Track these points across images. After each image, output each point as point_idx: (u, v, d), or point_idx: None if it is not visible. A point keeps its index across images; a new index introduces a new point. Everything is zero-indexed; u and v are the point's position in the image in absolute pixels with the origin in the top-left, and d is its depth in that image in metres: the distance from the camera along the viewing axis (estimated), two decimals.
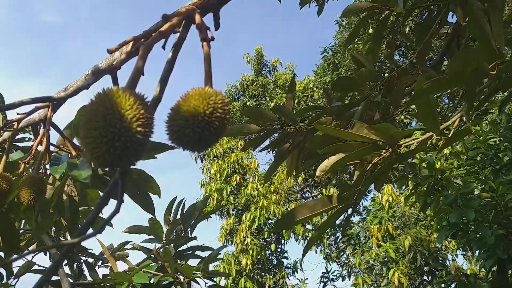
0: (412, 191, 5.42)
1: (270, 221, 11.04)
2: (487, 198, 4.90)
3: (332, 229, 10.73)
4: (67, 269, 2.31)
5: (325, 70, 12.46)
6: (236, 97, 14.39)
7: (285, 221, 1.18)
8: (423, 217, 7.80)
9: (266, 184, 11.08)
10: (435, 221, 5.67)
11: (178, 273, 2.05)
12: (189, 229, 2.49)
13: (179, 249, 2.38)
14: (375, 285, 8.26)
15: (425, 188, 5.24)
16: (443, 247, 7.43)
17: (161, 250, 2.25)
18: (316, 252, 11.46)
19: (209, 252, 2.25)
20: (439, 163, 6.13)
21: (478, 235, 4.65)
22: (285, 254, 11.75)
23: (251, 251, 10.45)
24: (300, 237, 10.66)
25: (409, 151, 1.29)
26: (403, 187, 8.91)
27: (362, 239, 9.58)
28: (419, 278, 7.72)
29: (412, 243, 7.05)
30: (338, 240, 10.72)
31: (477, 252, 4.89)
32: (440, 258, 7.56)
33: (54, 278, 2.26)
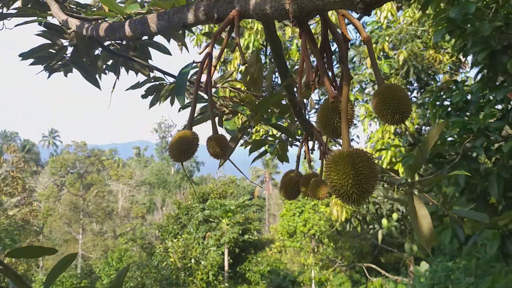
0: None
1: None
2: None
3: None
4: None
5: None
6: None
7: None
8: (420, 34, 7.67)
9: None
10: (433, 27, 5.54)
11: None
12: None
13: None
14: (364, 101, 8.62)
15: None
16: (436, 61, 7.48)
17: None
18: None
19: None
20: None
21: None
22: None
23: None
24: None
25: None
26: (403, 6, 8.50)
27: (357, 63, 9.63)
28: (410, 94, 8.00)
29: (407, 57, 7.07)
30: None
31: (470, 47, 4.89)
32: (432, 74, 7.71)
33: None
